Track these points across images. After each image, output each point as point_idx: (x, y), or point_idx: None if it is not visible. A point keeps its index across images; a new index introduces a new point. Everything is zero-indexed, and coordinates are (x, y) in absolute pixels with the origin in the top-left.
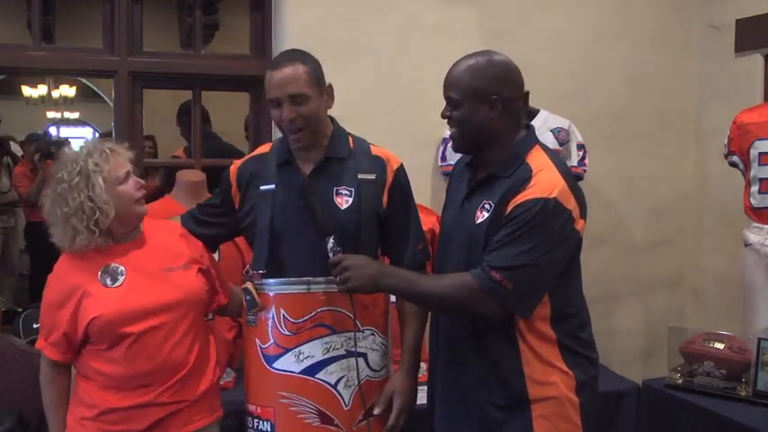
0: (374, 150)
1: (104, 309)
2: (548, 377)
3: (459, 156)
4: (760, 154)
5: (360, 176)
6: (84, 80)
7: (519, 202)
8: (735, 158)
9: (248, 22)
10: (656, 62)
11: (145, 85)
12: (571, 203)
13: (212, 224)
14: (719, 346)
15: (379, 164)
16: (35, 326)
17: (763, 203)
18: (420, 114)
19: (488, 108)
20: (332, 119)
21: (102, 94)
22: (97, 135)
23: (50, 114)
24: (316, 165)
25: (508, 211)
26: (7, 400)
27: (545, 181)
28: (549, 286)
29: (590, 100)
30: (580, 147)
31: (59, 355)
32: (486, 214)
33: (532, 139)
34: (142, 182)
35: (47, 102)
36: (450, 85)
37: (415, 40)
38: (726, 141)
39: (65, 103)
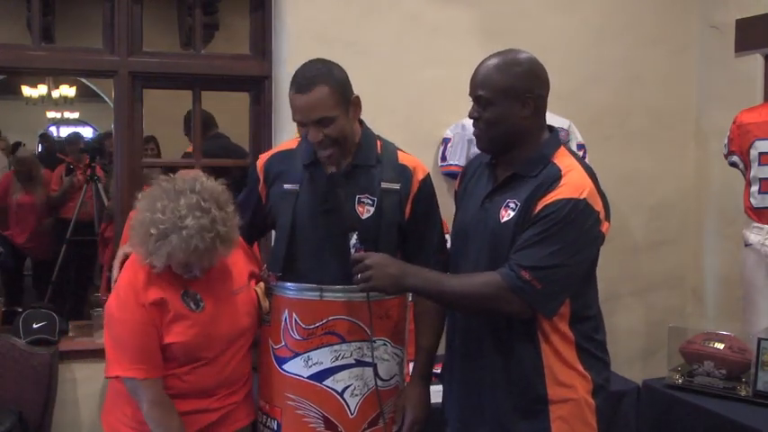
0: (401, 158)
1: (188, 335)
2: (567, 378)
3: (459, 155)
4: (760, 154)
5: (383, 185)
6: (84, 80)
7: (549, 201)
8: (735, 158)
9: (248, 22)
10: (656, 62)
11: (145, 85)
12: (598, 205)
13: (247, 216)
14: (719, 346)
15: (404, 174)
16: (35, 326)
17: (763, 203)
18: (420, 114)
19: (521, 106)
20: (361, 122)
21: (102, 94)
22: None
23: (50, 114)
24: (342, 171)
25: (537, 210)
26: (7, 400)
27: (575, 181)
28: (575, 287)
29: (590, 100)
30: (580, 147)
31: (160, 372)
32: (512, 213)
33: (558, 141)
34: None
35: (47, 102)
36: (479, 84)
37: (415, 40)
38: (726, 141)
39: (65, 103)
